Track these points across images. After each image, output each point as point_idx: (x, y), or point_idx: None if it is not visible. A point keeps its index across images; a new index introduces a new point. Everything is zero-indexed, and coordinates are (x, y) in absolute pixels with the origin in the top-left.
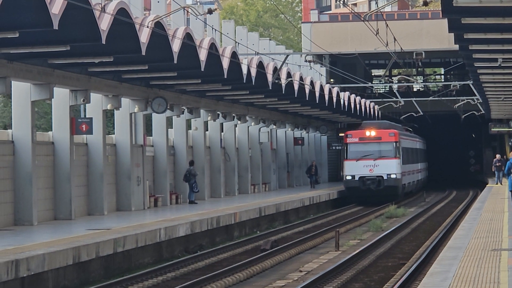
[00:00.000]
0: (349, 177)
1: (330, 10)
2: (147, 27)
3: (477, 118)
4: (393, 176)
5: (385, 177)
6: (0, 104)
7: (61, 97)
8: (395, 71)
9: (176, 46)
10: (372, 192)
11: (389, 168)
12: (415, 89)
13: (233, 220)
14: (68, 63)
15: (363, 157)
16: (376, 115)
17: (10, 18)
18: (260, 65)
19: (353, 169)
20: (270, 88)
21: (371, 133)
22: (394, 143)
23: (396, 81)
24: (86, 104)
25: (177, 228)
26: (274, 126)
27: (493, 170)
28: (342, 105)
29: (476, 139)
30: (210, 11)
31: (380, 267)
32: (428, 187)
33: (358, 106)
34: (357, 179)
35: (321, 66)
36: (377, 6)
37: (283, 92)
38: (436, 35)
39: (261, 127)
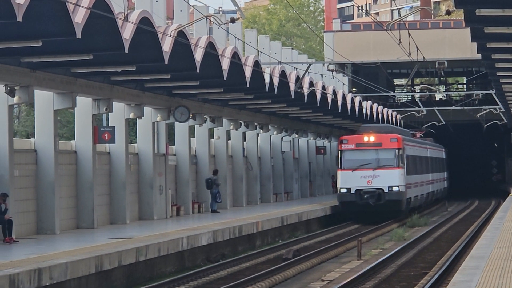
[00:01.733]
0: (343, 190)
1: (353, 19)
2: (170, 36)
3: (499, 128)
4: (395, 188)
5: (386, 190)
6: (23, 113)
7: (84, 106)
8: (417, 80)
9: (198, 55)
10: (371, 207)
11: (391, 179)
12: (437, 98)
13: (255, 229)
14: (90, 72)
15: (360, 167)
16: (398, 124)
17: (33, 27)
18: (283, 74)
19: (348, 180)
20: (293, 97)
21: (369, 138)
22: (397, 150)
23: (419, 90)
24: (109, 113)
25: (199, 237)
26: (296, 135)
27: None
28: (364, 114)
29: (498, 148)
30: (232, 20)
31: (402, 276)
32: (450, 197)
33: (380, 115)
34: (353, 192)
35: (343, 75)
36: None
37: (306, 101)
38: (458, 44)
39: (283, 136)
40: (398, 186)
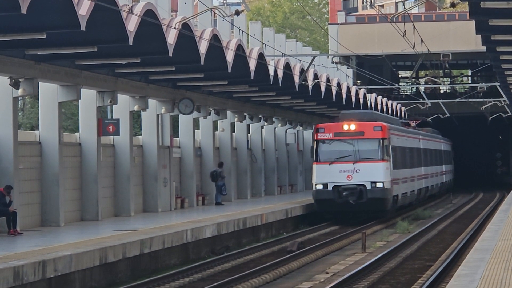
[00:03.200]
0: (319, 186)
1: (357, 11)
2: (174, 28)
3: (504, 120)
4: (379, 185)
5: (368, 186)
6: (27, 105)
7: (88, 98)
8: (422, 73)
9: (203, 47)
10: (351, 206)
11: (374, 174)
12: (442, 91)
13: (260, 222)
14: (95, 64)
15: (338, 159)
16: (403, 116)
17: (37, 19)
18: (287, 67)
19: (325, 175)
20: (297, 89)
21: (349, 126)
22: (381, 141)
23: (423, 83)
24: (113, 105)
25: (203, 229)
26: (301, 128)
27: None
28: (369, 107)
29: (503, 141)
30: (237, 13)
31: (407, 269)
32: (455, 189)
33: (385, 107)
34: (331, 189)
35: (348, 68)
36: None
37: (310, 94)
38: (463, 37)
39: (287, 128)
40: (382, 182)
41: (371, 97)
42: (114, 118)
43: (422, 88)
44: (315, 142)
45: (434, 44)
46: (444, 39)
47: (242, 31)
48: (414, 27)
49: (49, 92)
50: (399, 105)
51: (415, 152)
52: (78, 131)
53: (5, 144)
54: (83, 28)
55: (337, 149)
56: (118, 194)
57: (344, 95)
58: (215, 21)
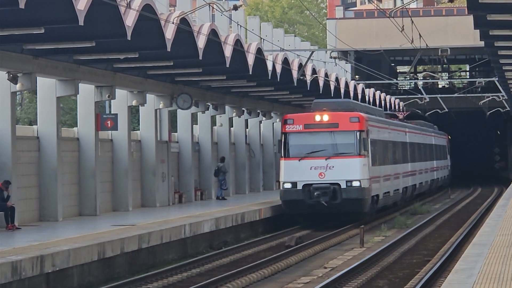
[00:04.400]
0: (287, 185)
1: (355, 6)
2: (173, 23)
3: (502, 115)
4: (355, 183)
5: (343, 185)
6: (25, 100)
7: (86, 93)
8: (420, 68)
9: (201, 42)
10: (324, 208)
11: (350, 171)
12: (440, 86)
13: (258, 217)
14: (93, 59)
15: (309, 155)
16: (402, 111)
17: (35, 14)
18: (285, 62)
19: (294, 172)
20: (295, 84)
21: (322, 117)
22: (358, 133)
23: (421, 78)
24: (111, 100)
25: (201, 224)
26: None
27: None
28: (367, 102)
29: (501, 136)
30: (235, 8)
31: (405, 264)
32: (453, 184)
33: (383, 102)
34: (300, 188)
35: (346, 63)
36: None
37: (308, 89)
38: (461, 32)
39: None
40: (359, 181)
41: (369, 92)
42: (112, 113)
43: (420, 83)
44: (282, 135)
45: (432, 39)
46: (442, 34)
47: (241, 26)
48: (412, 22)
49: (47, 87)
50: (397, 100)
51: (400, 146)
52: (76, 126)
53: (3, 139)
54: (81, 23)
55: (308, 143)
56: (116, 189)
57: (342, 90)
58: (213, 16)
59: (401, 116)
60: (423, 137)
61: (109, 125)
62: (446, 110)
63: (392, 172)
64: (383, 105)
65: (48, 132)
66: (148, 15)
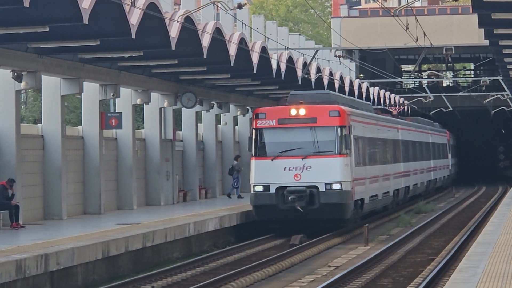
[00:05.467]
0: (259, 188)
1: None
2: (177, 21)
3: (506, 114)
4: (336, 186)
5: (321, 189)
6: (30, 98)
7: (91, 91)
8: (424, 66)
9: (205, 41)
10: (299, 214)
11: (329, 172)
12: (444, 85)
13: None
14: (98, 57)
15: (283, 154)
16: (407, 110)
17: (40, 13)
18: (290, 60)
19: (266, 174)
20: (300, 83)
21: (298, 111)
22: (339, 129)
23: (426, 76)
24: (116, 99)
25: (206, 222)
26: None
27: None
28: (371, 100)
29: (505, 134)
30: (240, 6)
31: (409, 262)
32: (457, 183)
33: (387, 101)
34: (273, 191)
35: (350, 61)
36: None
37: (313, 87)
38: (466, 30)
39: None
40: (339, 183)
41: (373, 90)
42: (116, 111)
43: (425, 81)
44: (253, 131)
45: (437, 37)
46: (447, 32)
47: (245, 25)
48: (417, 20)
49: (52, 86)
50: (402, 99)
51: (391, 144)
52: (81, 125)
53: (7, 138)
54: (85, 21)
55: (282, 140)
56: (120, 187)
57: (347, 89)
58: (218, 15)
59: (395, 112)
60: (418, 134)
61: (113, 124)
62: (451, 108)
63: (381, 173)
64: (387, 103)
65: (52, 130)
66: (152, 14)
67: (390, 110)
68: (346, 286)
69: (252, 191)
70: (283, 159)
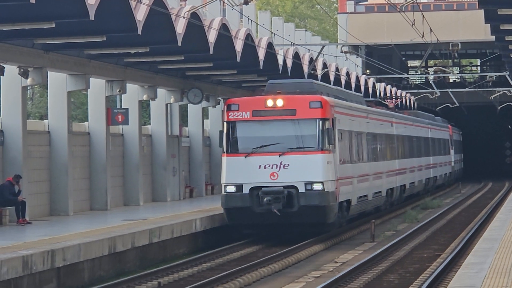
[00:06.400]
0: (230, 189)
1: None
2: (183, 17)
3: None
4: (317, 186)
5: (301, 189)
6: (36, 94)
7: (97, 87)
8: (431, 62)
9: (212, 36)
10: (276, 218)
11: (310, 171)
12: (451, 80)
13: None
14: (104, 53)
15: (258, 150)
16: (412, 106)
17: (46, 9)
18: (296, 56)
19: (239, 172)
20: (306, 79)
21: (275, 102)
22: (320, 122)
23: (432, 72)
24: (122, 95)
25: (213, 218)
26: None
27: None
28: (378, 96)
29: None
30: (246, 2)
31: (416, 258)
32: (464, 179)
33: (393, 96)
34: (247, 192)
35: (357, 57)
36: None
37: None
38: (472, 26)
39: None
40: (321, 183)
41: (380, 86)
42: (123, 107)
43: (431, 77)
44: (224, 124)
45: (443, 33)
46: (453, 28)
47: (251, 21)
48: (423, 16)
49: (58, 82)
50: (408, 95)
51: (383, 139)
52: (87, 121)
53: (14, 134)
54: (92, 17)
55: (257, 134)
56: (127, 183)
57: (353, 85)
58: (224, 11)
59: (391, 105)
60: (416, 129)
61: (120, 120)
62: (457, 104)
63: (372, 171)
64: (393, 99)
65: (59, 126)
66: (158, 10)
67: (386, 103)
68: (353, 282)
69: (223, 192)
70: (258, 156)
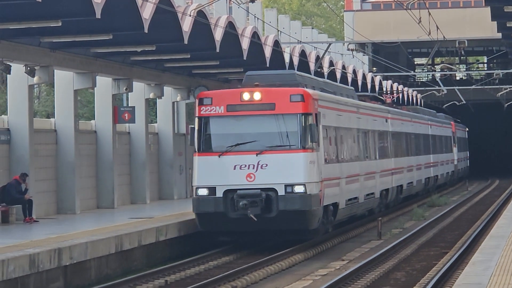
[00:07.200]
0: (202, 192)
1: None
2: (190, 15)
3: None
4: (298, 189)
5: (280, 192)
6: (43, 93)
7: (104, 86)
8: (437, 60)
9: (218, 34)
10: (252, 224)
11: (290, 171)
12: (457, 78)
13: None
14: (110, 52)
15: (233, 149)
16: (418, 104)
17: (53, 7)
18: (303, 54)
19: (212, 174)
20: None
21: (253, 95)
22: (302, 118)
23: (439, 70)
24: (129, 93)
25: None
26: None
27: None
28: (372, 90)
29: None
30: (252, 0)
31: (422, 256)
32: (471, 176)
33: (400, 94)
34: (221, 195)
35: (363, 55)
36: None
37: None
38: (479, 24)
39: None
40: (303, 185)
41: (386, 84)
42: (129, 105)
43: (438, 75)
44: (196, 120)
45: (450, 31)
46: (460, 25)
47: (258, 18)
48: (430, 13)
49: (65, 80)
50: (415, 92)
51: (376, 137)
52: (94, 119)
53: (21, 132)
54: (98, 16)
55: (232, 131)
56: (133, 181)
57: (359, 82)
58: (231, 8)
59: (388, 100)
60: (414, 125)
61: (126, 118)
62: (464, 102)
63: (363, 170)
64: (400, 97)
65: (65, 125)
66: (165, 8)
67: (382, 97)
68: (360, 279)
69: (194, 195)
70: (233, 155)
